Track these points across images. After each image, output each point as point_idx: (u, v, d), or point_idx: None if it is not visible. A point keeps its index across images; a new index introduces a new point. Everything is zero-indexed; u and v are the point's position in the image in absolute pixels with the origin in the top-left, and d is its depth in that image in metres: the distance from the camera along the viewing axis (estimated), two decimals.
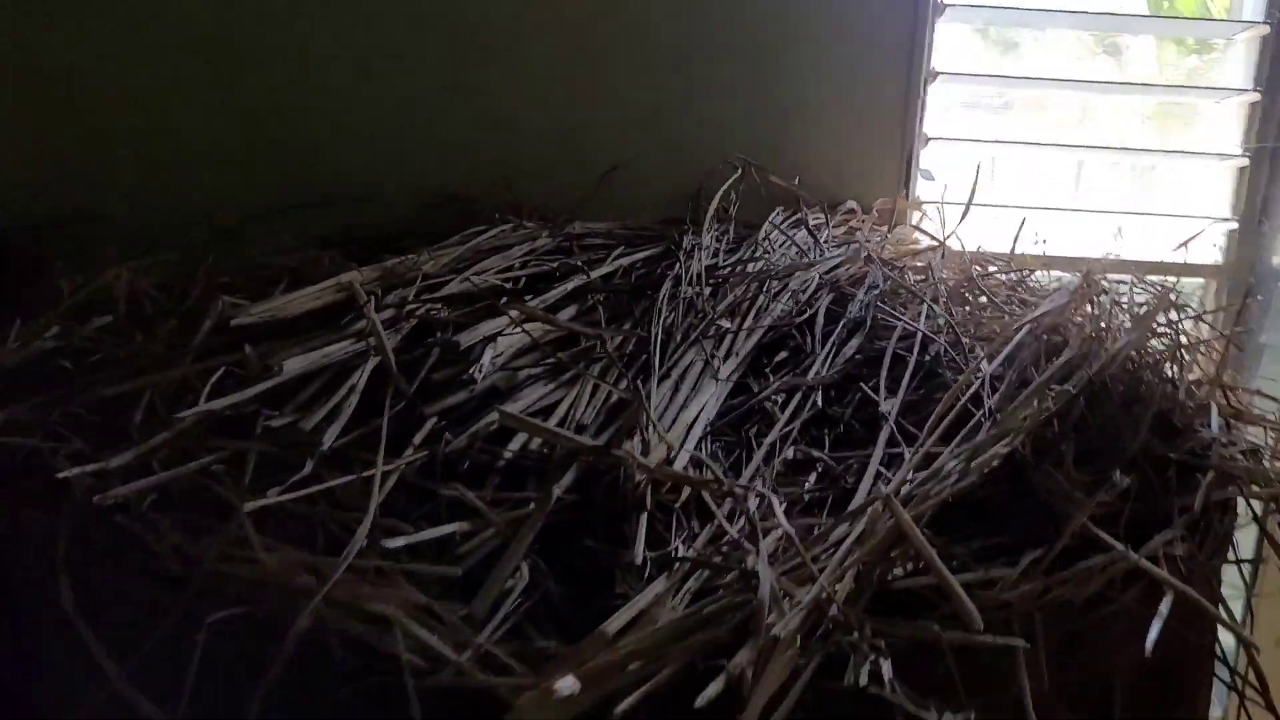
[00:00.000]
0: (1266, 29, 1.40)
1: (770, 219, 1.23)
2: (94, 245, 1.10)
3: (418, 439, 0.73)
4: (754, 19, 1.37)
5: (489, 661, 0.56)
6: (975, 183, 1.33)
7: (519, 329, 0.83)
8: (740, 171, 1.24)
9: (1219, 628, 0.73)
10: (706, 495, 0.71)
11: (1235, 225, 1.47)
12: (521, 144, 1.37)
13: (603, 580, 0.66)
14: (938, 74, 1.44)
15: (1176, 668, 0.72)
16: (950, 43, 1.46)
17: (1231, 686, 0.69)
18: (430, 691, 0.55)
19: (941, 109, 1.48)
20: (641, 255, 1.05)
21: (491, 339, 0.80)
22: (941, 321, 0.96)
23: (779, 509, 0.65)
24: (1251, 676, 0.66)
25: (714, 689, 0.52)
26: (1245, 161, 1.45)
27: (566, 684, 0.50)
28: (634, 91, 1.37)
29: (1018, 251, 1.30)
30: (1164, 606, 0.63)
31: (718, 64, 1.36)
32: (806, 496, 0.75)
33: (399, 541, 0.61)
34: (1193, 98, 1.51)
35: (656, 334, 0.86)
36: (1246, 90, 1.42)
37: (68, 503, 0.66)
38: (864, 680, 0.54)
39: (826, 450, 0.81)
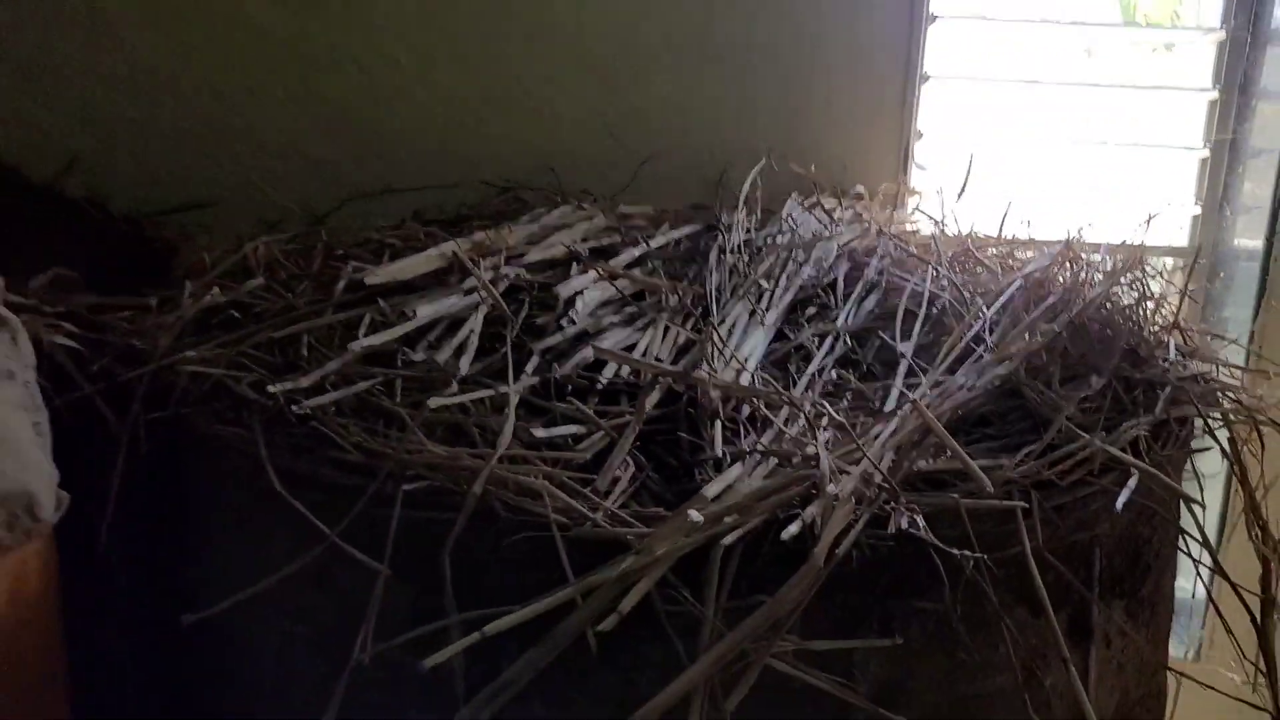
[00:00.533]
0: (1223, 34, 1.59)
1: (790, 200, 1.41)
2: (202, 228, 1.29)
3: (529, 368, 0.91)
4: (774, 23, 1.55)
5: (614, 520, 0.74)
6: (968, 172, 1.52)
7: (597, 285, 1.01)
8: (764, 160, 1.42)
9: (1182, 512, 0.92)
10: (764, 409, 0.89)
11: (1199, 210, 1.66)
12: (564, 136, 1.55)
13: (687, 472, 0.84)
14: (929, 77, 1.63)
15: (1145, 543, 0.91)
16: (945, 41, 1.64)
17: (1187, 553, 0.88)
18: (572, 542, 0.73)
19: (934, 103, 1.66)
20: (685, 231, 1.24)
21: (580, 292, 0.98)
22: (945, 282, 1.15)
23: (831, 410, 0.83)
24: (1207, 545, 0.84)
25: (795, 528, 0.70)
26: (1207, 153, 1.64)
27: (695, 513, 0.68)
28: (665, 87, 1.55)
29: (1005, 232, 1.48)
30: (1131, 482, 0.81)
31: (742, 63, 1.55)
32: (841, 415, 0.93)
33: (541, 433, 0.79)
34: (1160, 96, 1.71)
35: (711, 290, 1.04)
36: (1207, 89, 1.61)
37: (261, 412, 0.83)
38: (905, 525, 0.72)
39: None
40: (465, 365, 0.89)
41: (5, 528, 0.71)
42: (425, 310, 0.94)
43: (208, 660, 0.90)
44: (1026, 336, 0.94)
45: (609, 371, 0.92)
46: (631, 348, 0.96)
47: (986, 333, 1.00)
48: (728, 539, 0.69)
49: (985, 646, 0.82)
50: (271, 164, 1.48)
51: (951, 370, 0.95)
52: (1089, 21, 1.74)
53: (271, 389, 0.81)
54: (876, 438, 0.82)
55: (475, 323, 0.95)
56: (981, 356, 0.97)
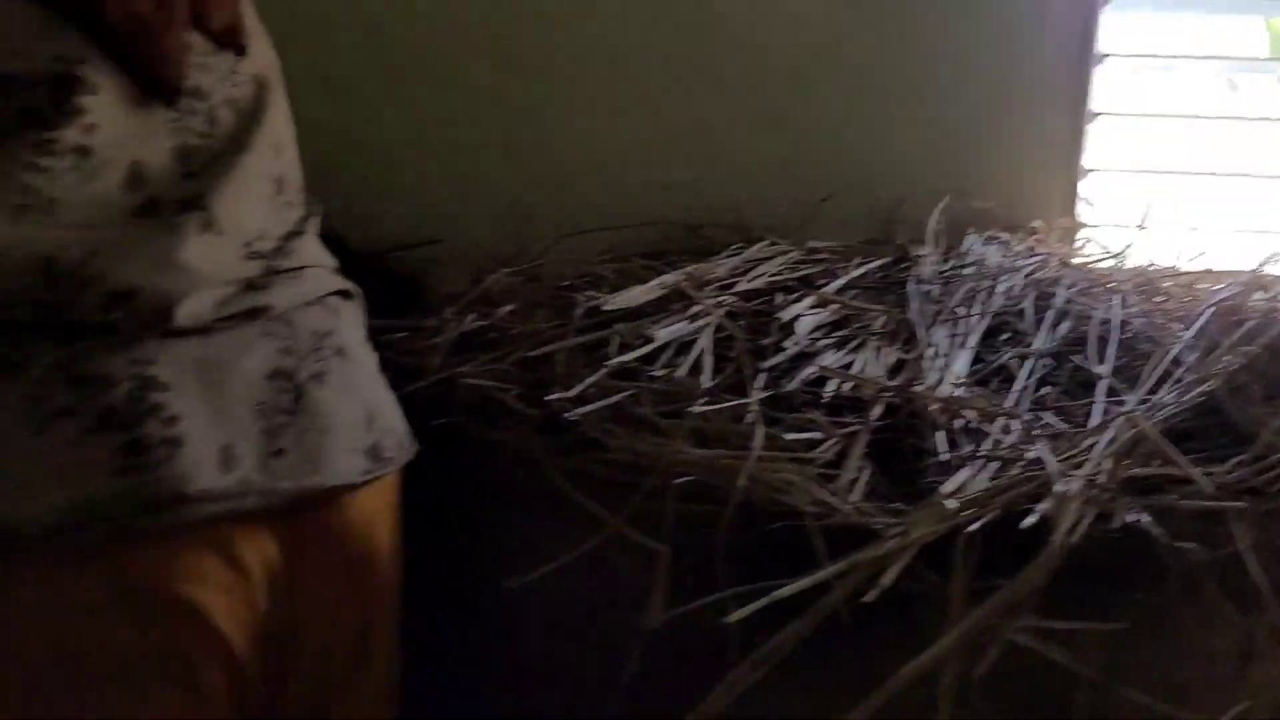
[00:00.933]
0: None
1: (970, 235, 1.52)
2: (432, 263, 1.47)
3: (759, 384, 1.04)
4: (948, 66, 1.67)
5: (860, 511, 0.86)
6: (1145, 207, 1.61)
7: (812, 310, 1.14)
8: (947, 198, 1.54)
9: None
10: (979, 421, 1.00)
11: None
12: (743, 178, 1.69)
13: (910, 477, 0.96)
14: (1096, 115, 1.72)
15: None
16: (1113, 79, 1.73)
17: None
18: (823, 530, 0.85)
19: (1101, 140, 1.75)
20: (877, 263, 1.36)
21: (798, 317, 1.11)
22: (1135, 309, 1.24)
23: (1052, 420, 0.94)
24: None
25: (1032, 519, 0.81)
26: None
27: (951, 502, 0.79)
28: (841, 129, 1.68)
29: (1180, 263, 1.56)
30: None
31: (916, 104, 1.67)
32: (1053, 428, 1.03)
33: (789, 436, 0.92)
34: None
35: (917, 315, 1.16)
36: None
37: (529, 420, 0.98)
38: (1130, 519, 0.82)
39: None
40: (706, 380, 1.02)
41: (396, 448, 0.88)
42: (662, 333, 1.08)
43: (474, 643, 1.04)
44: (1226, 358, 1.03)
45: (832, 387, 1.04)
46: (847, 366, 1.08)
47: (1186, 354, 1.09)
48: (972, 526, 0.81)
49: (1196, 637, 0.91)
50: (480, 206, 1.66)
51: (1154, 389, 1.04)
52: (1256, 57, 1.81)
53: (549, 398, 0.96)
54: (1093, 446, 0.92)
55: (706, 343, 1.08)
56: (1180, 378, 1.06)
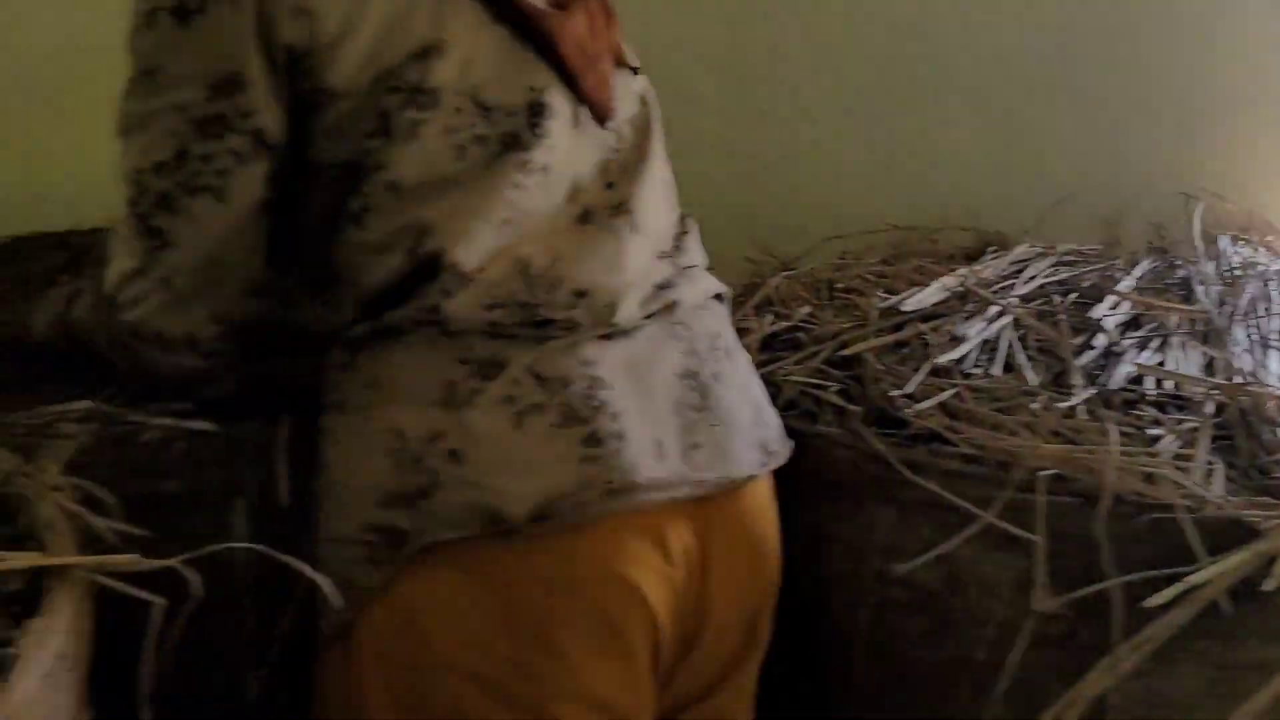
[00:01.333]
0: None
1: (1220, 238, 1.53)
2: None
3: (1076, 380, 1.07)
4: (1170, 70, 1.69)
5: (1231, 504, 0.88)
6: None
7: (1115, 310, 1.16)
8: (1201, 203, 1.55)
9: None
10: None
11: None
12: (965, 181, 1.72)
13: (1244, 472, 0.97)
14: None
15: None
16: None
17: None
18: (1194, 522, 0.87)
19: None
20: (1149, 265, 1.38)
21: (1103, 316, 1.14)
22: None
23: None
24: None
25: None
26: None
27: None
28: (1063, 132, 1.71)
29: None
30: None
31: (1141, 106, 1.69)
32: None
33: (1156, 431, 0.95)
34: None
35: (1216, 314, 1.18)
36: None
37: (858, 417, 1.02)
38: None
39: None
40: (1031, 378, 1.05)
41: (779, 443, 0.93)
42: (969, 331, 1.11)
43: (801, 633, 1.08)
44: None
45: (1151, 384, 1.06)
46: (1160, 364, 1.10)
47: None
48: None
49: None
50: (699, 212, 1.70)
51: None
52: None
53: (891, 395, 1.00)
54: None
55: (1014, 341, 1.11)
56: None
